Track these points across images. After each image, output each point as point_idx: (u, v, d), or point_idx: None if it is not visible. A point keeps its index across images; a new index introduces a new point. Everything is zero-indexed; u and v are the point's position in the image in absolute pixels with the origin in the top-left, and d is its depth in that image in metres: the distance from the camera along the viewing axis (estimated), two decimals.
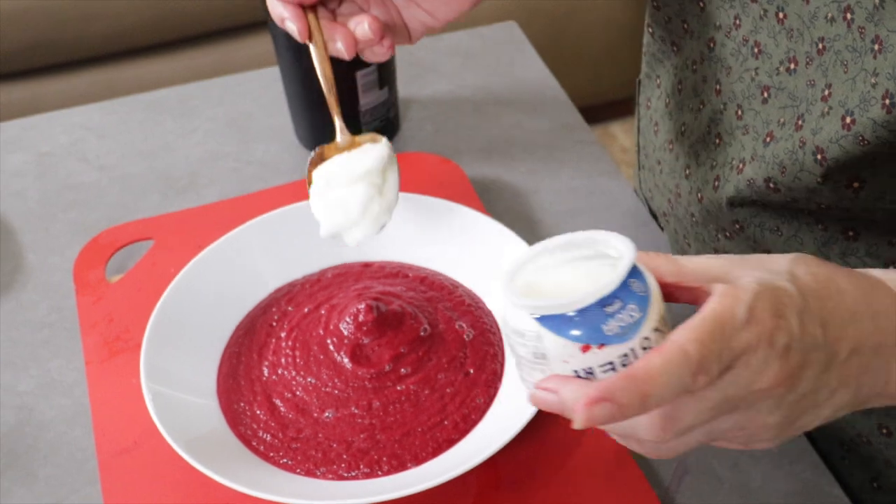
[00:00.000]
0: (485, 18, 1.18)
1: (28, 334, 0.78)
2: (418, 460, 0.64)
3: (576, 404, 0.43)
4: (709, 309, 0.44)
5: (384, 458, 0.64)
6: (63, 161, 0.95)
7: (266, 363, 0.70)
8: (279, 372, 0.69)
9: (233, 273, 0.75)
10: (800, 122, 0.59)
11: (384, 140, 0.65)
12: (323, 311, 0.72)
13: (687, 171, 0.74)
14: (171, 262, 0.79)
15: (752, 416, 0.46)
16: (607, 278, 0.44)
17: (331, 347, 0.69)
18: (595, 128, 2.31)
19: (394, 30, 0.64)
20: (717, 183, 0.69)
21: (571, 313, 0.44)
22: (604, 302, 0.44)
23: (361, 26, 0.62)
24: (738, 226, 0.69)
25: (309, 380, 0.68)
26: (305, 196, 0.79)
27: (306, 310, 0.73)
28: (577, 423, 0.43)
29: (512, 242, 0.74)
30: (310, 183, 0.65)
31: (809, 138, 0.58)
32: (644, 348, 0.44)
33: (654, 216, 0.86)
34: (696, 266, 0.48)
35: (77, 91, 1.89)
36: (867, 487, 0.71)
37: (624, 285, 0.44)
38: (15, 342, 0.78)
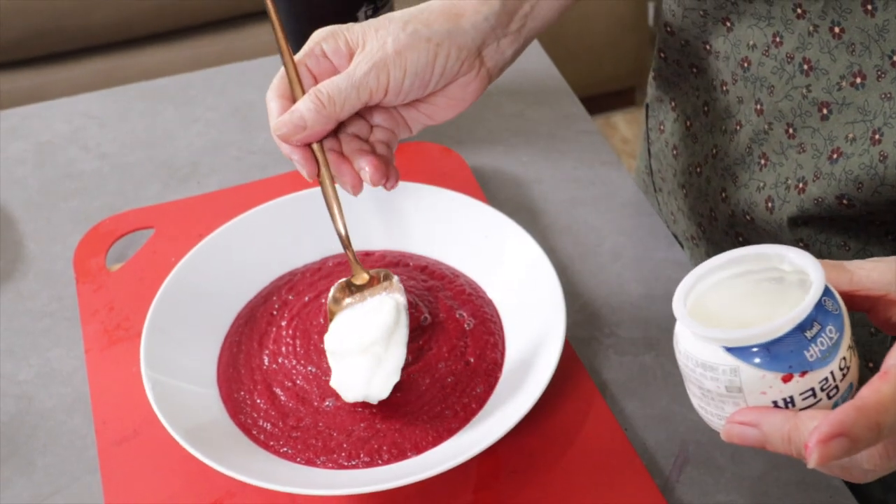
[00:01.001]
0: None
1: (28, 323, 0.78)
2: (418, 449, 0.64)
3: (808, 442, 0.40)
4: None
5: (384, 447, 0.64)
6: (64, 149, 0.95)
7: (266, 352, 0.70)
8: (279, 361, 0.69)
9: (233, 262, 0.75)
10: (877, 137, 0.59)
11: (395, 282, 0.67)
12: (323, 300, 0.72)
13: (723, 195, 0.73)
14: (171, 250, 0.79)
15: None
16: (802, 301, 0.41)
17: None
18: (596, 118, 2.31)
19: (396, 128, 0.67)
20: (769, 204, 0.68)
21: (770, 342, 0.41)
22: (803, 326, 0.41)
23: (364, 171, 0.63)
24: (802, 244, 0.68)
25: (309, 369, 0.68)
26: (306, 185, 0.79)
27: (307, 298, 0.73)
28: (812, 462, 0.41)
29: (513, 232, 0.74)
30: (331, 317, 0.67)
31: (892, 151, 0.57)
32: (841, 369, 0.42)
33: (676, 239, 0.85)
34: (868, 272, 0.46)
35: (79, 80, 1.88)
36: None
37: (819, 305, 0.42)
38: (15, 331, 0.78)
